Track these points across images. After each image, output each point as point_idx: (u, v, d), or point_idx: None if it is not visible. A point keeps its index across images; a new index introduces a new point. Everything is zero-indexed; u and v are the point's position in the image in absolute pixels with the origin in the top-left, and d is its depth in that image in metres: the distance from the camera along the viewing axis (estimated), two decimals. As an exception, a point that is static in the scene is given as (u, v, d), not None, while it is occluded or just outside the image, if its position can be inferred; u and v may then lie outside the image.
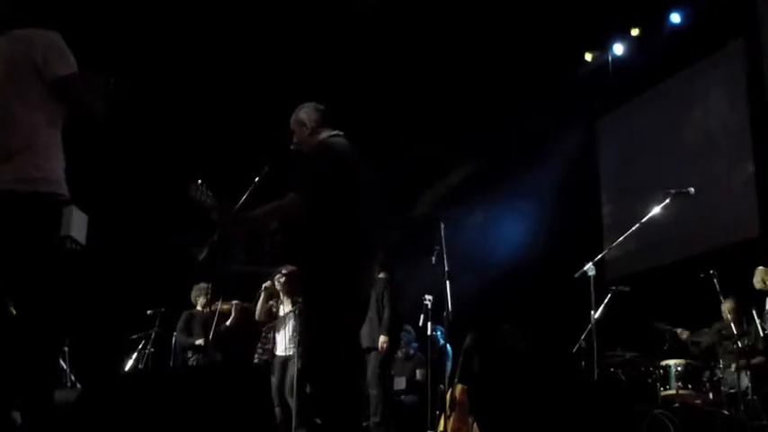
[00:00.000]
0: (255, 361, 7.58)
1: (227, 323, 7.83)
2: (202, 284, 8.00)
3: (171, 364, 8.01)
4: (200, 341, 7.80)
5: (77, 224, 3.54)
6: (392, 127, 8.84)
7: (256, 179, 4.55)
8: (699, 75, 8.69)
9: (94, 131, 3.70)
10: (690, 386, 6.19)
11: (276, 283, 7.51)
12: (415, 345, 8.64)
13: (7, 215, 3.37)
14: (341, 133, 4.31)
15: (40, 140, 3.45)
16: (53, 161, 3.51)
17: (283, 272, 7.30)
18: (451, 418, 7.42)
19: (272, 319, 7.62)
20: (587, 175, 9.69)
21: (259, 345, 7.66)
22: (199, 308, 8.11)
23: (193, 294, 8.14)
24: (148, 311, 8.19)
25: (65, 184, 3.52)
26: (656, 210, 5.93)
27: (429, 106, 8.89)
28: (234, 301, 7.93)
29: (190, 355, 7.96)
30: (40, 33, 3.49)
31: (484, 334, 8.22)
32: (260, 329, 7.77)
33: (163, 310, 8.18)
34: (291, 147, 4.42)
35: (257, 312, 7.65)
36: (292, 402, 6.96)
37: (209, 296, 7.70)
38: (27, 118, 3.43)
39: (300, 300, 7.33)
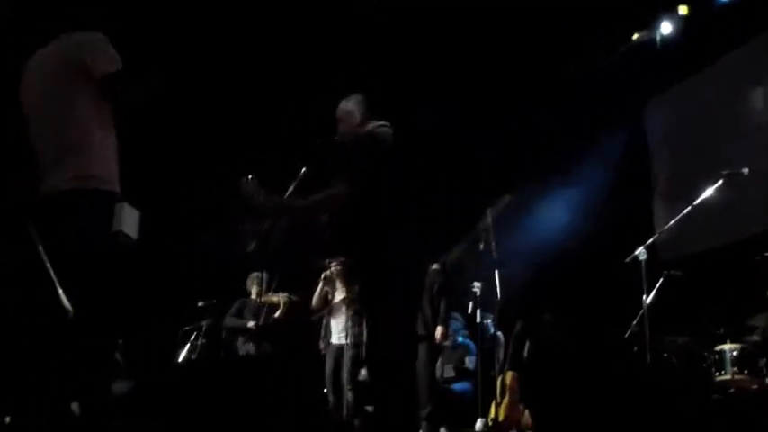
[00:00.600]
0: (323, 351, 7.65)
1: (276, 315, 7.89)
2: (256, 273, 8.07)
3: (222, 354, 8.11)
4: (250, 323, 7.90)
5: (129, 220, 3.62)
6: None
7: (302, 171, 4.56)
8: (752, 53, 8.48)
9: (132, 122, 3.77)
10: (746, 371, 6.07)
11: (332, 270, 7.57)
12: (464, 332, 8.62)
13: (64, 214, 3.47)
14: (387, 124, 4.30)
15: (93, 139, 3.54)
16: (107, 160, 3.61)
17: (337, 262, 7.35)
18: (502, 406, 7.40)
19: (326, 306, 7.69)
20: (637, 159, 9.54)
21: (322, 333, 7.71)
22: (253, 296, 8.19)
23: (248, 282, 8.24)
24: (200, 303, 8.30)
25: (117, 181, 3.61)
26: (709, 192, 5.84)
27: (474, 90, 8.82)
28: (283, 294, 7.98)
29: (240, 342, 8.04)
30: (86, 35, 3.59)
31: (533, 321, 8.20)
32: (311, 320, 7.83)
33: (214, 301, 8.29)
34: (336, 137, 4.43)
35: (314, 300, 7.71)
36: (346, 390, 7.02)
37: (261, 286, 7.77)
38: (80, 118, 3.52)
39: (354, 288, 7.42)
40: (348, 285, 7.37)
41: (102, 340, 3.48)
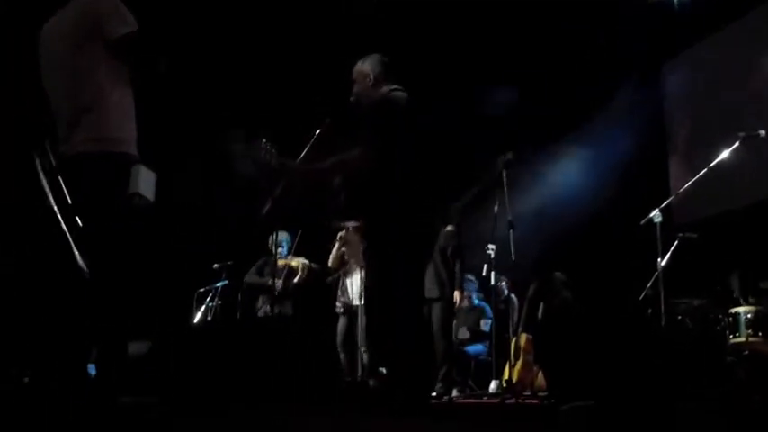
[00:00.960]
0: (339, 311, 7.67)
1: (295, 281, 7.89)
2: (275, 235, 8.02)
3: (238, 316, 8.16)
4: (270, 282, 7.92)
5: (146, 182, 3.62)
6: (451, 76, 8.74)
7: (316, 132, 4.55)
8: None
9: (154, 88, 3.76)
10: (760, 333, 6.07)
11: (348, 231, 7.59)
12: (479, 294, 8.65)
13: (79, 176, 3.50)
14: (401, 88, 4.27)
15: (109, 101, 3.54)
16: (123, 121, 3.60)
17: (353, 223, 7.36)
18: (516, 368, 7.45)
19: (343, 267, 7.71)
20: (653, 121, 9.46)
21: (339, 294, 7.74)
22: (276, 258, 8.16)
23: (269, 241, 8.17)
24: (215, 265, 8.33)
25: (135, 143, 3.60)
26: (725, 154, 5.80)
27: (489, 50, 8.76)
28: (303, 260, 7.96)
29: (260, 302, 8.06)
30: None
31: (546, 282, 8.21)
32: (329, 283, 7.87)
33: (229, 263, 8.31)
34: (351, 98, 4.41)
35: (330, 260, 7.73)
36: (361, 351, 7.08)
37: (276, 249, 7.79)
38: (95, 80, 3.52)
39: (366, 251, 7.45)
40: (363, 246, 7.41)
41: (119, 301, 3.50)
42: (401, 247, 4.00)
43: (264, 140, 4.14)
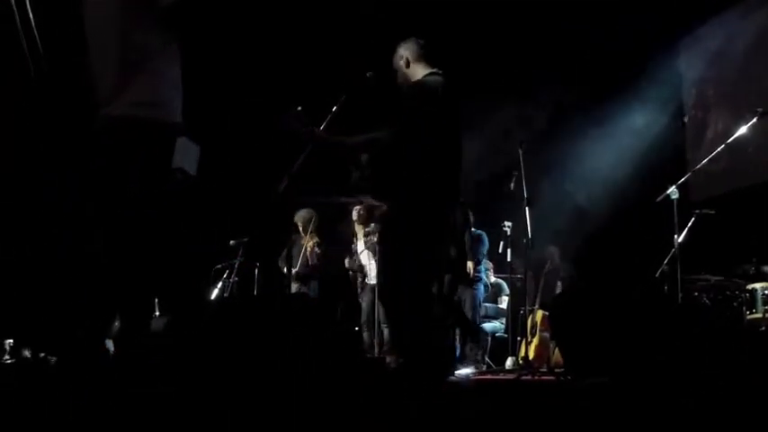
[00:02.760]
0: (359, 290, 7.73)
1: (310, 263, 7.92)
2: (302, 211, 8.02)
3: (255, 292, 8.20)
4: (285, 270, 7.98)
5: (189, 156, 3.55)
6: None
7: (333, 108, 4.55)
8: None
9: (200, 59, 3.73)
10: (777, 310, 6.07)
11: (354, 213, 7.62)
12: (487, 263, 8.64)
13: (121, 139, 3.40)
14: (439, 71, 4.27)
15: (159, 68, 3.49)
16: (171, 90, 3.54)
17: (362, 203, 7.38)
18: (533, 344, 7.47)
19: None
20: (670, 97, 9.40)
21: (359, 279, 7.77)
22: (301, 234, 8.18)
23: (295, 219, 8.18)
24: (231, 242, 8.37)
25: (180, 114, 3.55)
26: (743, 130, 5.77)
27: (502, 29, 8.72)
28: (315, 242, 7.97)
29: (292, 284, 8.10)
30: None
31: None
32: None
33: (245, 240, 8.34)
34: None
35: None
36: (382, 328, 7.14)
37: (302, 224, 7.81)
38: (147, 44, 3.47)
39: (373, 230, 7.49)
40: (365, 228, 7.48)
41: (144, 278, 3.48)
42: (417, 231, 4.02)
43: (299, 108, 4.15)
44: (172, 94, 3.52)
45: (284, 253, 8.11)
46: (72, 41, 3.62)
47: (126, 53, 3.43)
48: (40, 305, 5.12)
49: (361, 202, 7.44)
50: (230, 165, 8.55)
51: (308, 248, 7.89)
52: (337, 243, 8.11)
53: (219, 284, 8.26)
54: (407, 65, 4.29)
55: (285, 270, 8.01)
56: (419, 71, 4.25)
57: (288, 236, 7.99)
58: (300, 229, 7.94)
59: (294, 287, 7.93)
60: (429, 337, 4.11)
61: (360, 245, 7.74)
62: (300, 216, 7.93)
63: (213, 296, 8.16)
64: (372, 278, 7.56)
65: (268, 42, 8.42)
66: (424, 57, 4.32)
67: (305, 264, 7.81)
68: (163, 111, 3.45)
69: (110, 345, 3.65)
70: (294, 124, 4.12)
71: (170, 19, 3.49)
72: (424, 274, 4.16)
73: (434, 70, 4.24)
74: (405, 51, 4.31)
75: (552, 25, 8.66)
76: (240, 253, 8.30)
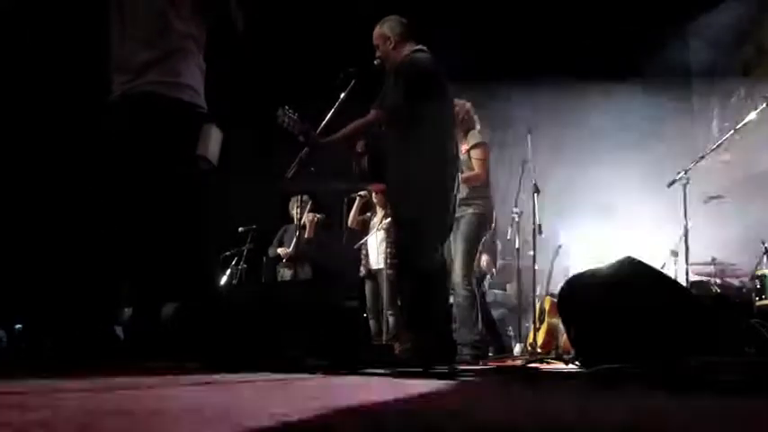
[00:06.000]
0: (362, 274, 7.70)
1: (306, 236, 7.93)
2: (296, 197, 8.06)
3: (263, 280, 8.22)
4: (279, 250, 8.01)
5: (213, 144, 3.51)
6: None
7: (341, 95, 4.54)
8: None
9: (235, 48, 3.74)
10: (787, 296, 6.04)
11: (372, 195, 7.59)
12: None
13: (148, 117, 3.39)
14: (424, 48, 4.27)
15: (189, 49, 3.51)
16: (198, 75, 3.57)
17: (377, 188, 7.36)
18: (541, 330, 7.45)
19: (366, 230, 7.72)
20: (679, 81, 9.34)
21: (362, 261, 7.75)
22: (295, 221, 8.22)
23: (290, 206, 8.21)
24: (240, 229, 8.38)
25: (204, 101, 3.56)
26: (752, 115, 5.73)
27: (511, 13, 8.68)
28: (310, 214, 7.99)
29: (279, 269, 8.14)
30: None
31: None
32: (351, 245, 7.88)
33: (254, 227, 8.35)
34: (375, 62, 4.42)
35: (350, 219, 7.73)
36: (386, 314, 7.12)
37: (299, 208, 7.80)
38: (179, 27, 3.48)
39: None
40: (386, 210, 7.41)
41: (161, 264, 3.48)
42: (420, 212, 4.02)
43: (286, 106, 4.16)
44: (198, 80, 3.54)
45: (275, 240, 8.14)
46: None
47: (163, 34, 3.44)
48: (47, 290, 5.12)
49: (370, 189, 7.41)
50: (238, 151, 8.53)
51: (309, 220, 7.91)
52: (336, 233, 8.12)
53: (228, 271, 8.28)
54: (393, 43, 4.31)
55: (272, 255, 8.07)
56: (405, 48, 4.27)
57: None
58: (296, 213, 7.96)
59: (287, 273, 7.95)
60: (440, 319, 4.13)
61: (378, 225, 7.65)
62: (294, 200, 7.97)
63: (221, 283, 8.18)
64: (375, 263, 7.51)
65: (269, 40, 8.40)
66: (409, 34, 4.33)
67: (304, 242, 7.81)
68: (187, 94, 3.45)
69: (119, 331, 3.66)
70: (286, 123, 4.13)
71: (204, 5, 3.52)
72: (437, 240, 4.17)
73: (420, 47, 4.27)
74: (389, 30, 4.35)
75: (560, 10, 8.64)
76: (249, 240, 8.31)
